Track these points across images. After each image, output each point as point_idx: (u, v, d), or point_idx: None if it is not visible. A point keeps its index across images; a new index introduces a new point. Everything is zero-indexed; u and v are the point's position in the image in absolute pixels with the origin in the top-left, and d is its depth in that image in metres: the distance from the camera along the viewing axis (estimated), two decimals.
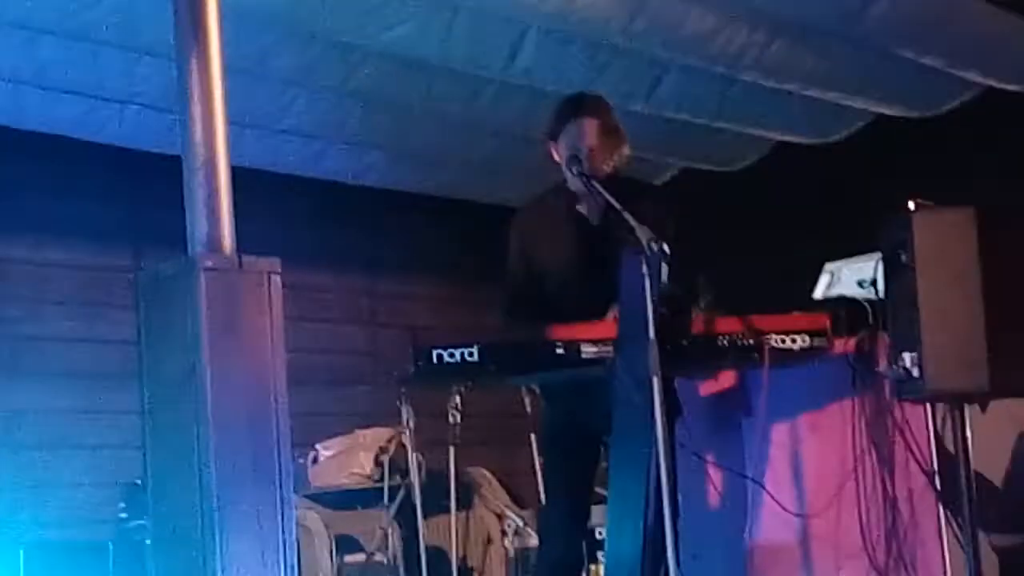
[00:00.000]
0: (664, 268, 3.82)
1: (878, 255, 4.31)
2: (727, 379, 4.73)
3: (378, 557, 6.29)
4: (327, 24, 5.58)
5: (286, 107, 6.35)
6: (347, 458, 6.62)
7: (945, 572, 4.26)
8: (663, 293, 3.81)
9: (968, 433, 4.11)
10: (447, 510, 6.03)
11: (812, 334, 4.26)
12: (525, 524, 6.69)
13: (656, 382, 3.76)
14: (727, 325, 4.20)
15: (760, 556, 4.65)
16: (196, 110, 3.71)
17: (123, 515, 6.13)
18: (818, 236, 6.39)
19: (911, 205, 4.13)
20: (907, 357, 4.07)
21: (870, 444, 4.39)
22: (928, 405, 4.30)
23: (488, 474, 7.01)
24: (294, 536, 3.60)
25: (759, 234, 7.12)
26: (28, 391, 6.35)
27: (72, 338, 6.55)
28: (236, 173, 3.75)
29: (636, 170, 5.19)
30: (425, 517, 6.11)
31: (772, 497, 4.52)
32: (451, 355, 4.09)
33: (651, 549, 3.97)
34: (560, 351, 4.09)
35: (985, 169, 6.25)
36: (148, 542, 5.64)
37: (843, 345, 4.42)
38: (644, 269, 3.80)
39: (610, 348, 4.08)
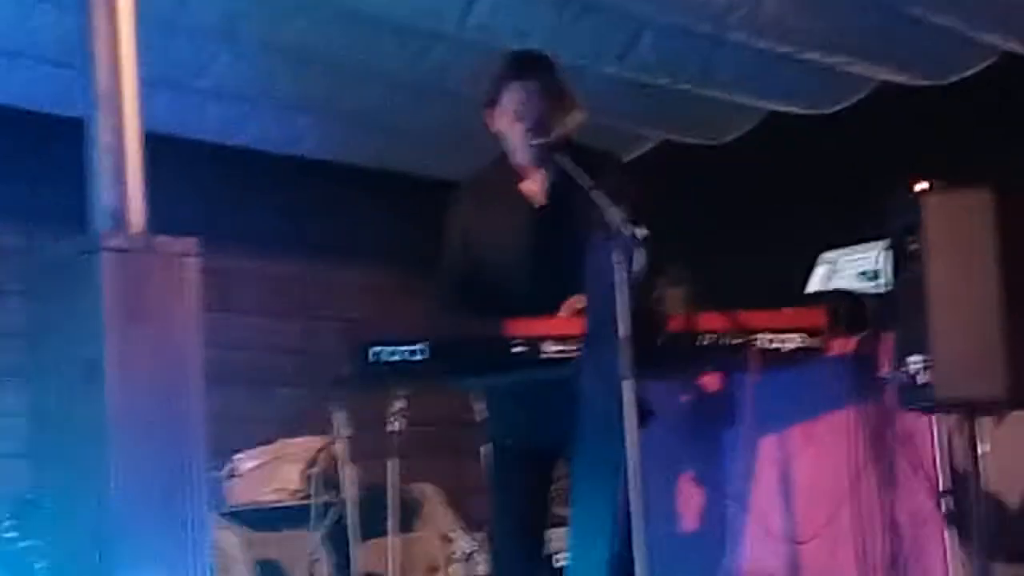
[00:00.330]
0: (639, 255, 3.84)
1: (882, 243, 4.35)
2: (712, 382, 4.76)
3: None
4: None
5: (205, 64, 6.33)
6: (271, 471, 6.60)
7: None
8: (638, 284, 3.83)
9: (981, 448, 4.15)
10: (385, 533, 6.02)
11: (806, 333, 4.29)
12: (476, 549, 6.70)
13: (628, 386, 3.79)
14: (709, 322, 4.23)
15: None
16: (101, 65, 3.70)
17: (10, 534, 6.09)
18: (814, 220, 6.46)
19: (921, 186, 4.16)
20: (914, 360, 4.11)
21: (870, 460, 4.43)
22: (936, 416, 4.34)
23: (434, 491, 7.02)
24: (209, 561, 3.60)
25: (747, 217, 7.16)
26: None
27: None
28: (147, 140, 3.74)
29: (608, 142, 5.21)
30: (361, 540, 6.11)
31: (757, 520, 4.55)
32: (393, 353, 4.10)
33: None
34: (519, 349, 4.11)
35: (1005, 145, 6.30)
36: (38, 567, 5.63)
37: (841, 346, 4.46)
38: (615, 257, 3.82)
39: (574, 347, 4.09)
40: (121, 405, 3.49)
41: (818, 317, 4.34)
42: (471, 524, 6.94)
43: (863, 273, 4.63)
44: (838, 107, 7.27)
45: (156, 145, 3.82)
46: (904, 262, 4.20)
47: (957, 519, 4.26)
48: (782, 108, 7.35)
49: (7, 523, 6.10)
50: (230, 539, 6.26)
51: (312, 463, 6.52)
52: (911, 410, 4.29)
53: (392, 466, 5.74)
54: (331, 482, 6.40)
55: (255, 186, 7.36)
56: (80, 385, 3.55)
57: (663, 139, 7.87)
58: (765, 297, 4.41)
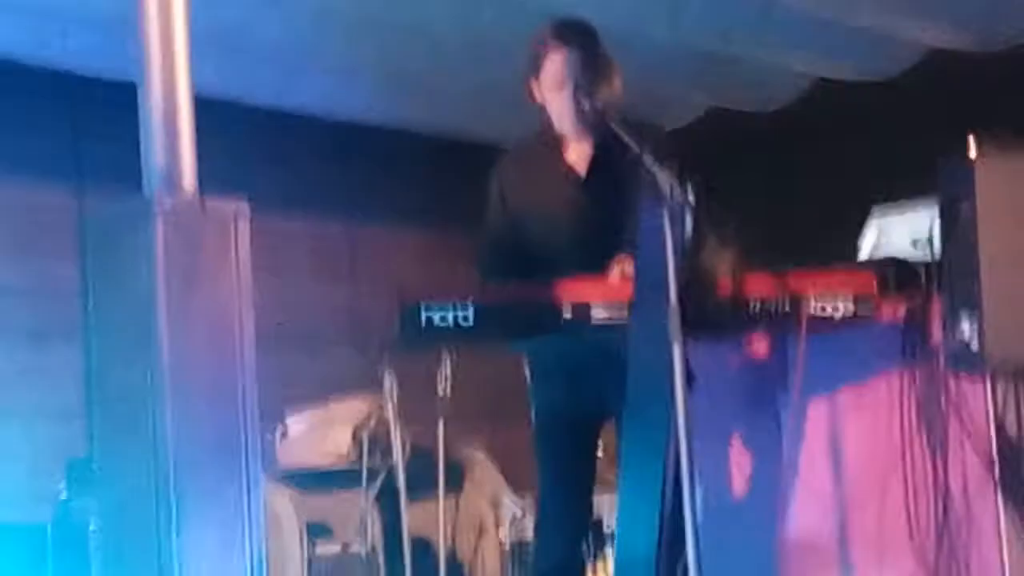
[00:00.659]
0: (689, 219, 3.82)
1: (933, 209, 4.31)
2: (761, 347, 4.73)
3: (355, 547, 6.30)
4: None
5: (254, 27, 6.32)
6: (321, 434, 6.62)
7: (1004, 574, 4.27)
8: (687, 248, 3.81)
9: None
10: (434, 495, 6.03)
11: (856, 299, 4.26)
12: (524, 513, 6.71)
13: (677, 350, 3.77)
14: (759, 285, 4.20)
15: (792, 552, 4.66)
16: (152, 29, 3.69)
17: (64, 494, 6.14)
18: (864, 187, 6.38)
19: (973, 150, 4.12)
20: (965, 325, 4.07)
21: (920, 425, 4.40)
22: (988, 380, 4.30)
23: (482, 455, 7.03)
24: (261, 522, 3.60)
25: (795, 183, 7.13)
26: None
27: (6, 289, 6.54)
28: (197, 103, 3.74)
29: (657, 109, 5.18)
30: (409, 502, 6.12)
31: (806, 486, 4.53)
32: (443, 317, 4.09)
33: (668, 542, 3.99)
34: (568, 316, 4.09)
35: None
36: (92, 526, 5.67)
37: (891, 310, 4.42)
38: (665, 221, 3.79)
39: (624, 312, 4.08)
40: (174, 366, 3.50)
41: (868, 280, 4.31)
42: (518, 487, 6.95)
43: (915, 241, 4.58)
44: (890, 73, 7.20)
45: (204, 109, 3.82)
46: (955, 227, 4.16)
47: (1009, 485, 4.23)
48: (831, 75, 7.29)
49: (61, 483, 6.16)
50: (282, 501, 6.29)
51: (361, 426, 6.54)
52: (962, 374, 4.25)
53: (440, 428, 5.75)
54: (380, 445, 6.42)
55: (303, 151, 7.38)
56: (134, 347, 3.56)
57: (711, 106, 7.83)
58: (814, 261, 4.38)
